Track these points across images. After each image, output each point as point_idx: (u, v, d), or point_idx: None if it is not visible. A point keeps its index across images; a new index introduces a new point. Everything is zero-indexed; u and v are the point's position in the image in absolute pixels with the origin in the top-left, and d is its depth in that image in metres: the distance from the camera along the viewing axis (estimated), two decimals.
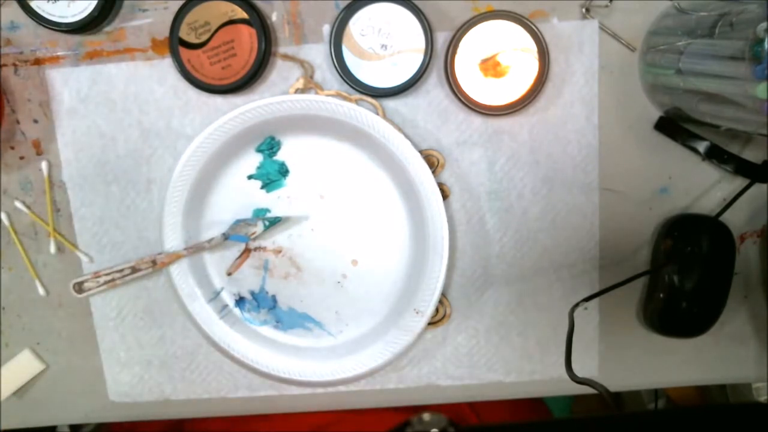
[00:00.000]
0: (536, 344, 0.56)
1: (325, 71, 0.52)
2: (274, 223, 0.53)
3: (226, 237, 0.53)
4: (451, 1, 0.50)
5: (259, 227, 0.53)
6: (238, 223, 0.53)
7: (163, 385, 0.57)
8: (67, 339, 0.57)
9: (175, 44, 0.50)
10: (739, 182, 0.52)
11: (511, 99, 0.50)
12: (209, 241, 0.53)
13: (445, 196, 0.52)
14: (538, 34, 0.49)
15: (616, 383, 0.56)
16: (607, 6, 0.50)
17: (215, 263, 0.55)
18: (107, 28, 0.52)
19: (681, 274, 0.51)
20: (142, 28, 0.52)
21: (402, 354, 0.53)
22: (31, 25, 0.51)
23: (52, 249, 0.55)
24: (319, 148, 0.53)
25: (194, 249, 0.53)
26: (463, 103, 0.50)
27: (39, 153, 0.54)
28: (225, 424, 0.60)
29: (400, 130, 0.51)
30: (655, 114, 0.51)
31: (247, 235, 0.53)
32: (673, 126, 0.51)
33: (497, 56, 0.49)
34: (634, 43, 0.50)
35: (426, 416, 0.23)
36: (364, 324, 0.55)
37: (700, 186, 0.53)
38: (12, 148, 0.54)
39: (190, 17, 0.49)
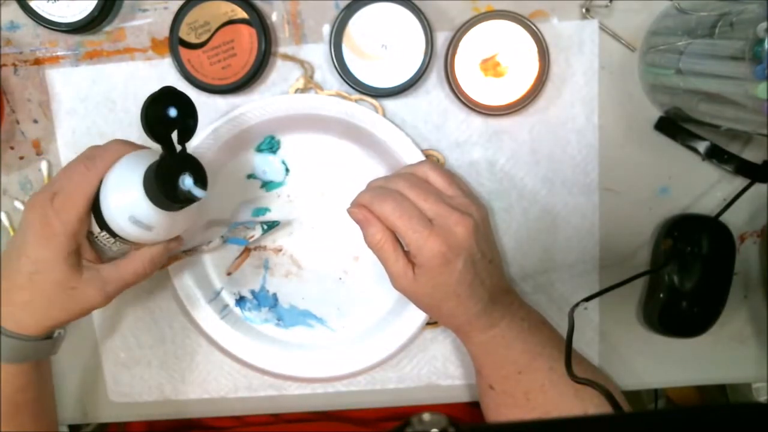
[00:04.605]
0: None
1: (325, 71, 0.52)
2: (272, 227, 0.53)
3: (224, 240, 0.53)
4: (451, 1, 0.50)
5: (257, 231, 0.52)
6: (237, 226, 0.53)
7: (163, 385, 0.57)
8: (67, 339, 0.57)
9: (175, 44, 0.50)
10: (739, 182, 0.52)
11: (511, 99, 0.50)
12: (207, 244, 0.53)
13: None
14: (538, 34, 0.48)
15: (616, 383, 0.56)
16: (607, 6, 0.50)
17: (215, 263, 0.55)
18: (107, 28, 0.52)
19: (681, 274, 0.51)
20: (142, 28, 0.52)
21: (403, 348, 0.54)
22: (30, 25, 0.51)
23: None
24: (318, 147, 0.53)
25: (193, 252, 0.53)
26: (463, 103, 0.50)
27: (39, 153, 0.54)
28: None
29: (400, 129, 0.51)
30: (655, 114, 0.51)
31: (246, 239, 0.53)
32: (673, 126, 0.51)
33: (497, 56, 0.49)
34: (634, 43, 0.50)
35: (426, 416, 0.23)
36: (366, 318, 0.55)
37: (700, 186, 0.53)
38: (12, 148, 0.54)
39: (190, 17, 0.49)
